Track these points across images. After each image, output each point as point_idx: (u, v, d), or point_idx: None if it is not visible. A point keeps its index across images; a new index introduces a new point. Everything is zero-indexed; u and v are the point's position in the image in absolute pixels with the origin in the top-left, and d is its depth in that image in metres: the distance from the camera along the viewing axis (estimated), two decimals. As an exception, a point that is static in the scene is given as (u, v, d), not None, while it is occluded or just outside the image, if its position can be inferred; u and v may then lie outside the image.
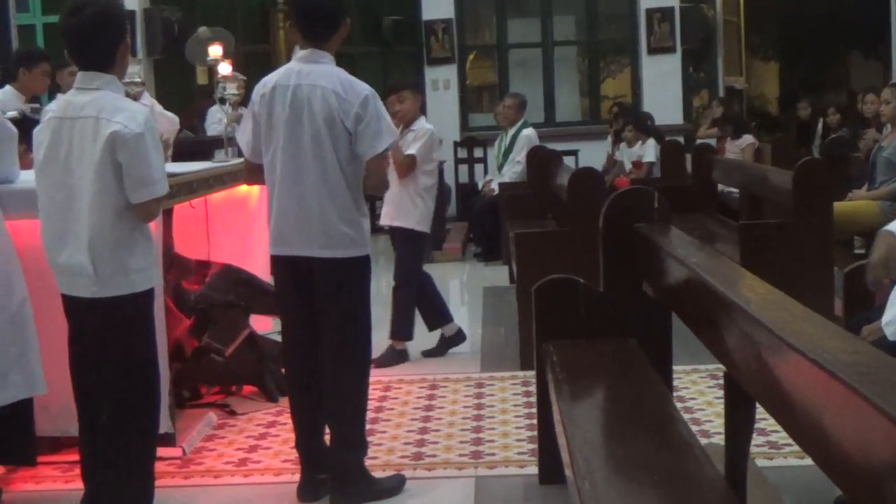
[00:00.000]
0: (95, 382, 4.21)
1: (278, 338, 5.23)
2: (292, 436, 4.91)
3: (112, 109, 4.07)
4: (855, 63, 23.43)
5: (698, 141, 13.37)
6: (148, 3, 12.94)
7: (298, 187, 4.59)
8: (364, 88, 4.62)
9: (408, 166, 7.03)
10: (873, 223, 8.01)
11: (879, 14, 16.87)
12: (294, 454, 4.96)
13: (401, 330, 7.18)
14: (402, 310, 7.18)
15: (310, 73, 4.61)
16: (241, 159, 5.26)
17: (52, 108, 4.29)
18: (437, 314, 7.41)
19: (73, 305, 4.24)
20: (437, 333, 7.41)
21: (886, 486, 1.95)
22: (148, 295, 4.23)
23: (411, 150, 7.07)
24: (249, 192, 6.73)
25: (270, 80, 4.71)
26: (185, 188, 5.52)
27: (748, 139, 12.59)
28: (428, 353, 7.30)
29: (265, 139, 4.67)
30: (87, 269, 4.08)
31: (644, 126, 12.76)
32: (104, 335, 4.17)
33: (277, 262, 4.78)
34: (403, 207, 7.12)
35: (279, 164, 4.62)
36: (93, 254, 4.07)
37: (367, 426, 5.01)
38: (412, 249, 7.21)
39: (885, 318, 3.96)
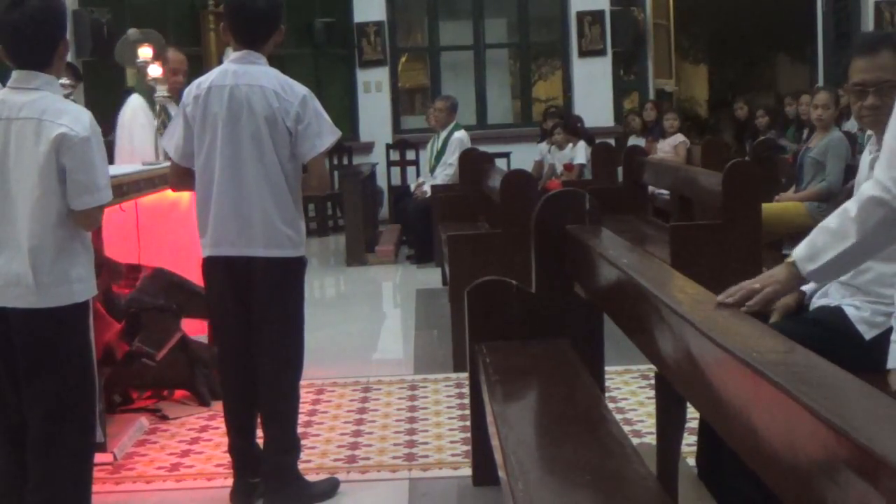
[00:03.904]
0: (25, 399, 3.94)
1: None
2: (225, 440, 4.88)
3: (55, 111, 3.86)
4: (782, 66, 23.73)
5: (631, 139, 13.45)
6: (77, 4, 12.81)
7: (238, 188, 4.55)
8: (302, 88, 4.62)
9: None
10: (801, 224, 8.12)
11: (806, 18, 17.09)
12: (227, 458, 4.92)
13: None
14: None
15: (246, 73, 4.58)
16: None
17: None
18: None
19: None
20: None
21: (814, 483, 1.97)
22: (87, 305, 4.05)
23: None
24: (180, 194, 6.68)
25: (205, 81, 4.65)
26: (115, 191, 5.41)
27: (679, 137, 12.68)
28: None
29: (198, 141, 4.61)
30: (27, 278, 3.85)
31: (574, 128, 12.83)
32: (39, 348, 3.92)
33: (213, 264, 4.69)
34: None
35: (217, 165, 4.56)
36: (34, 262, 3.84)
37: (301, 429, 4.99)
38: None
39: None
